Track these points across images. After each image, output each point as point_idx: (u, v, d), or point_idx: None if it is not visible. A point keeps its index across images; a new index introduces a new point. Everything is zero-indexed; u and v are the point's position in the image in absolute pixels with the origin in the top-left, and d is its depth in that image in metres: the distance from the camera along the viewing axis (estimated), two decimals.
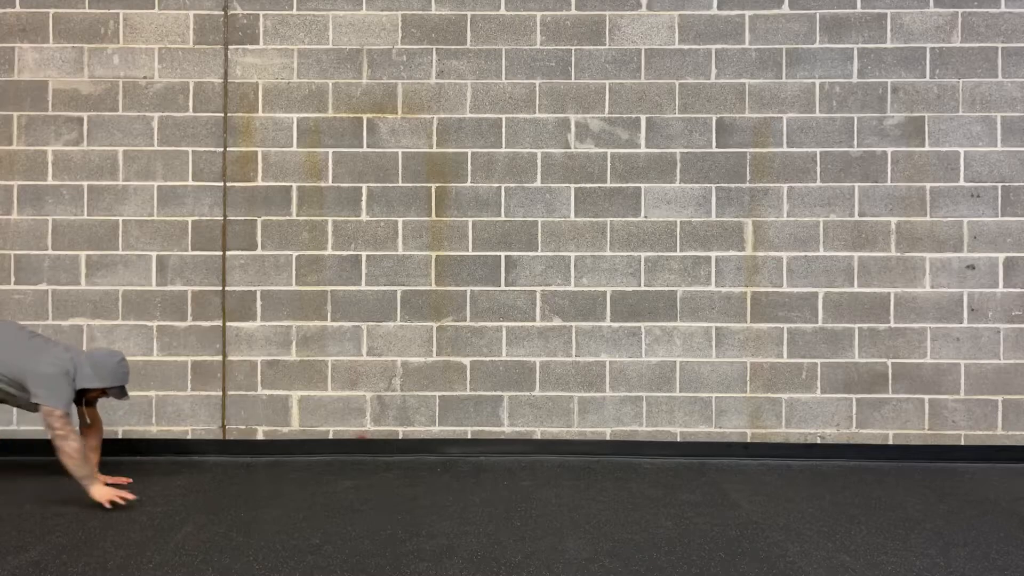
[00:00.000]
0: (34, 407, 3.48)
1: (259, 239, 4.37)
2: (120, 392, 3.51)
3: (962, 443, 4.30)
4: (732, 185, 4.36)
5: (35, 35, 4.36)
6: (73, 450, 3.28)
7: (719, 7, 4.38)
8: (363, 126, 4.38)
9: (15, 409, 4.31)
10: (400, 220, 4.37)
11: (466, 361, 4.37)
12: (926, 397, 4.32)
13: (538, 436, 4.36)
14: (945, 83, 4.35)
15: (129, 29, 4.38)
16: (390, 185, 4.37)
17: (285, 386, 4.35)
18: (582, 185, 4.37)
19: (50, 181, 4.35)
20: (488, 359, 4.36)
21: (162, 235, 4.36)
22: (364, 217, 4.37)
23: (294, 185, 4.37)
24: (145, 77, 4.38)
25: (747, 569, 2.68)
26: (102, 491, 3.31)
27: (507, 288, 4.37)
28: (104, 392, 3.52)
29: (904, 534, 3.07)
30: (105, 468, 4.01)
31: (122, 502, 3.30)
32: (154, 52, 4.38)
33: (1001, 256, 4.32)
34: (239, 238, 4.37)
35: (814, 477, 3.95)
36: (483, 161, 4.38)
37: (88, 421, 3.65)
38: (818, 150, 4.35)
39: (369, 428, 4.36)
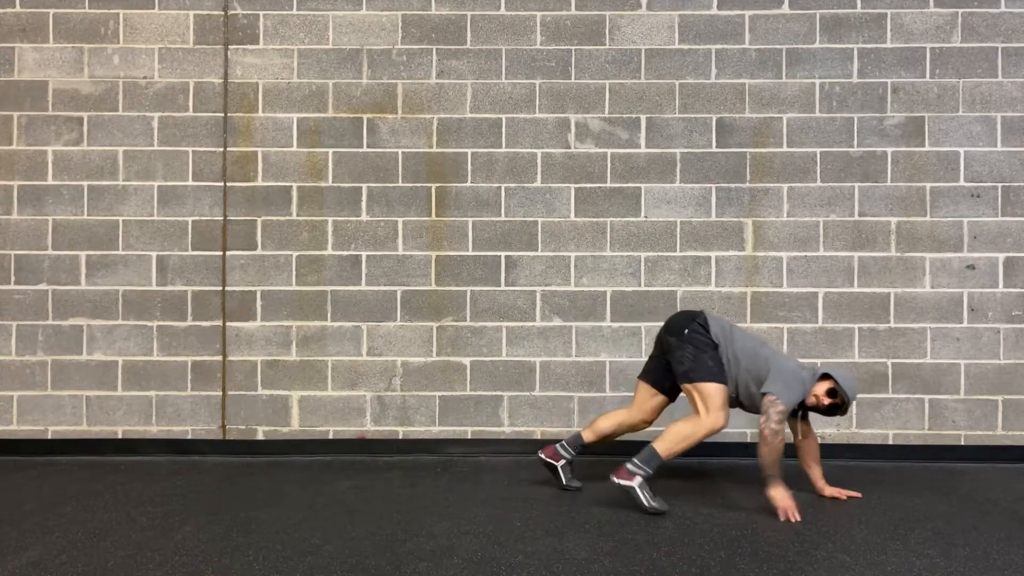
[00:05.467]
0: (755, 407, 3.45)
1: (259, 239, 4.37)
2: (846, 409, 3.43)
3: (962, 443, 4.30)
4: (732, 185, 4.36)
5: (35, 35, 4.36)
6: (776, 447, 3.24)
7: (719, 7, 4.38)
8: (363, 126, 4.38)
9: (15, 409, 4.31)
10: (400, 220, 4.37)
11: (466, 361, 4.37)
12: (926, 397, 4.32)
13: (538, 436, 4.35)
14: (945, 83, 4.35)
15: (129, 29, 4.38)
16: (390, 185, 4.37)
17: (285, 386, 4.35)
18: (582, 185, 4.37)
19: (50, 181, 4.35)
20: (488, 359, 4.36)
21: (162, 235, 4.36)
22: (364, 217, 4.37)
23: (294, 185, 4.37)
24: (145, 77, 4.38)
25: (747, 569, 2.68)
26: (783, 496, 3.24)
27: (507, 288, 4.37)
28: (830, 406, 3.40)
29: (904, 534, 3.06)
30: (104, 468, 4.04)
31: (795, 519, 3.19)
32: (154, 52, 4.38)
33: (1001, 256, 4.32)
34: (239, 238, 4.37)
35: None
36: (483, 161, 4.38)
37: (801, 435, 3.58)
38: (818, 150, 4.35)
39: (369, 428, 4.36)
